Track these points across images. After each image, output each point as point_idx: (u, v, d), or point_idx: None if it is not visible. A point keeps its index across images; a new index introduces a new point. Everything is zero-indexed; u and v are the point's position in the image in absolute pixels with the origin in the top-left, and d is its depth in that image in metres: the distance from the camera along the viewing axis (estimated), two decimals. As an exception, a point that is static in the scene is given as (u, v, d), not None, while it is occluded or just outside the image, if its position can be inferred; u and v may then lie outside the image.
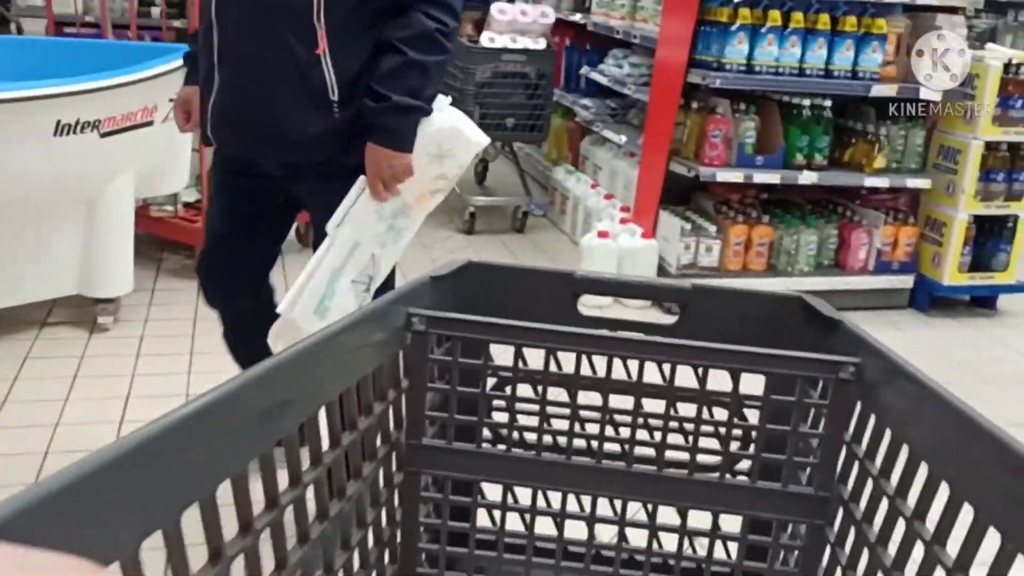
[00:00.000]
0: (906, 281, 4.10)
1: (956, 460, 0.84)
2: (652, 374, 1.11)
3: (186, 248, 3.99)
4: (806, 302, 1.18)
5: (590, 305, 1.37)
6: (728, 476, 1.12)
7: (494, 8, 4.57)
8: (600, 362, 1.09)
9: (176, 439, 0.65)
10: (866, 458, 0.99)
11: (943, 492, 0.84)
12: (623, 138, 4.46)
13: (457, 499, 1.16)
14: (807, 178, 3.84)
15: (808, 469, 1.09)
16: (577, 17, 5.08)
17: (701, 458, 1.12)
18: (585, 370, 1.13)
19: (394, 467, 1.10)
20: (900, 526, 0.91)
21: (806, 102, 3.81)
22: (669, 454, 1.11)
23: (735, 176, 3.79)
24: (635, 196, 4.21)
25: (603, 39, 4.82)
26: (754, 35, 3.63)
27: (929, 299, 4.10)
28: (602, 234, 3.97)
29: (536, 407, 1.12)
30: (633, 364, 1.08)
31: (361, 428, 0.97)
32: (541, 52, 4.66)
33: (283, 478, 0.86)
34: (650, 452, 1.12)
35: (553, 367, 1.12)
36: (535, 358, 1.11)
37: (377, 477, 1.05)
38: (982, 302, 4.21)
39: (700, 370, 1.05)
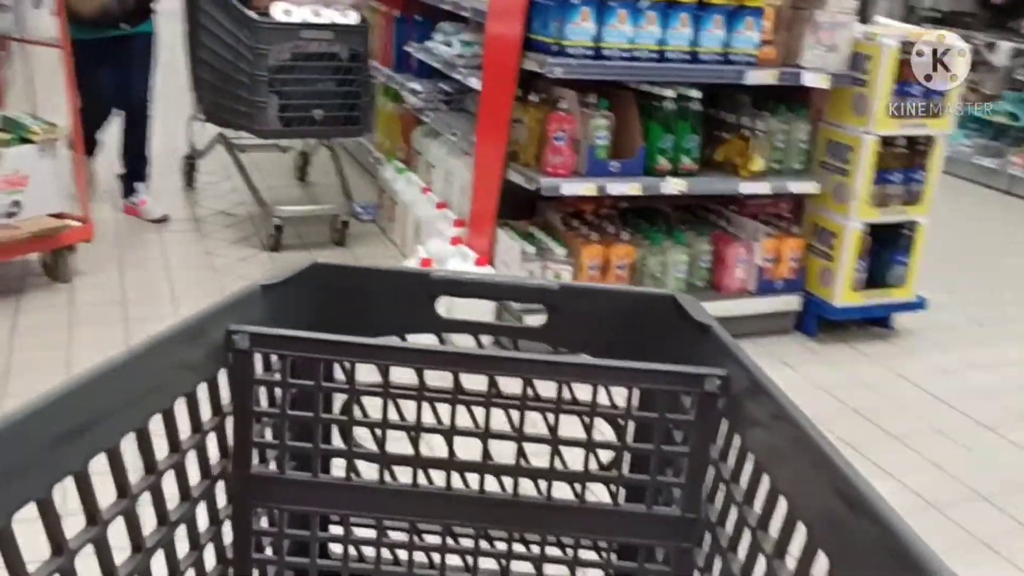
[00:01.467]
0: (792, 302, 3.46)
1: (814, 502, 0.77)
2: (509, 383, 1.00)
3: None
4: (678, 302, 1.11)
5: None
6: (588, 498, 1.04)
7: (286, -27, 3.65)
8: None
9: None
10: (732, 481, 0.93)
11: (801, 532, 0.77)
12: (456, 132, 3.65)
13: (294, 532, 1.06)
14: (673, 186, 3.11)
15: (677, 490, 1.04)
16: (401, -17, 4.21)
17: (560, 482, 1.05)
18: (437, 382, 1.01)
19: (223, 501, 1.00)
20: (763, 562, 0.84)
21: (669, 93, 3.07)
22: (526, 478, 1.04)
23: (585, 187, 3.03)
24: (470, 207, 3.41)
25: (436, 9, 3.97)
26: (601, 10, 2.86)
27: (818, 322, 3.48)
28: (425, 262, 3.16)
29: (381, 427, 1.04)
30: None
31: (163, 465, 0.87)
32: (352, 28, 3.77)
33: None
34: (506, 475, 1.04)
35: (410, 379, 1.02)
36: (404, 371, 1.00)
37: (193, 517, 0.93)
38: (877, 320, 3.62)
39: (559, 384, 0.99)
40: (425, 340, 1.10)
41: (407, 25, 4.48)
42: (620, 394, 1.03)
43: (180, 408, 0.89)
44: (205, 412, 0.95)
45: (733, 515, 0.92)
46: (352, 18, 3.77)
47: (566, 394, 1.01)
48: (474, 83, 3.47)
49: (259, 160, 4.83)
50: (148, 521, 0.84)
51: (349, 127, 3.94)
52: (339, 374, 1.04)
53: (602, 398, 1.01)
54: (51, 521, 0.70)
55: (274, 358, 1.01)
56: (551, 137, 3.02)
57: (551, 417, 1.02)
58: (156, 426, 0.84)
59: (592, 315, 1.15)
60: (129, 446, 0.79)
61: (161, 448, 0.86)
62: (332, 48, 3.75)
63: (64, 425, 0.72)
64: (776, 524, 0.83)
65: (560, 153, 3.02)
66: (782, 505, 0.81)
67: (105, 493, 0.77)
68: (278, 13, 3.63)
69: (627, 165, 3.08)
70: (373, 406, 1.06)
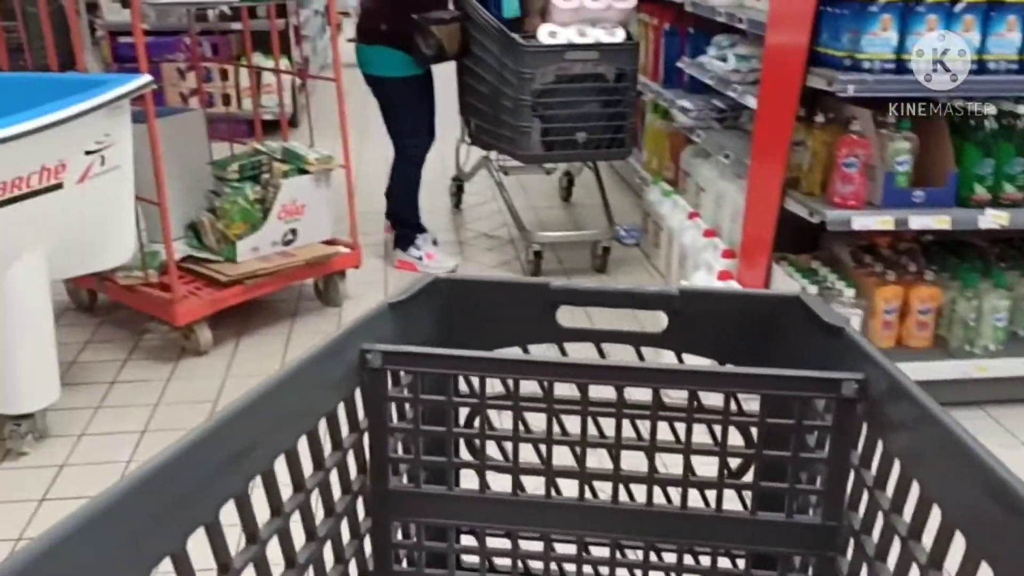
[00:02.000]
0: None
1: (970, 509, 0.73)
2: (643, 392, 0.99)
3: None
4: (805, 304, 1.07)
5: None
6: (725, 508, 1.00)
7: (553, -7, 3.52)
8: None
9: (147, 491, 0.66)
10: (876, 488, 0.89)
11: (959, 541, 0.73)
12: (729, 154, 3.34)
13: (431, 544, 1.08)
14: (993, 219, 2.61)
15: (814, 497, 0.99)
16: (673, -6, 3.94)
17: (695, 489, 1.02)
18: (571, 391, 1.00)
19: (362, 515, 1.04)
20: (916, 571, 0.80)
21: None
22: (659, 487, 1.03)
23: (880, 221, 2.61)
24: (741, 237, 3.09)
25: (710, 21, 3.67)
26: (906, 16, 2.44)
27: None
28: (690, 301, 2.88)
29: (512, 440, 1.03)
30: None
31: (310, 483, 0.90)
32: (619, 47, 3.57)
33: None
34: (639, 483, 1.02)
35: (535, 389, 1.02)
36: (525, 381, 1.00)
37: (339, 532, 0.97)
38: None
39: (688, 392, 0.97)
40: (546, 350, 1.11)
41: (678, 38, 4.21)
42: (747, 399, 0.98)
43: (321, 427, 0.93)
44: (343, 430, 0.99)
45: (879, 523, 0.89)
46: (619, 36, 3.57)
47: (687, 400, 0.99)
48: (750, 101, 3.15)
49: (524, 180, 4.77)
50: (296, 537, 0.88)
51: (613, 150, 3.75)
52: (463, 386, 1.04)
53: (717, 399, 0.98)
54: (218, 543, 0.74)
55: (402, 373, 1.02)
56: (840, 163, 2.64)
57: (679, 425, 1.00)
58: (301, 445, 0.88)
59: (714, 318, 1.12)
60: (278, 466, 0.84)
61: (306, 466, 0.90)
62: (597, 68, 3.58)
63: (226, 452, 0.76)
64: (929, 533, 0.79)
65: (851, 181, 2.63)
66: (935, 512, 0.78)
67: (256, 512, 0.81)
68: (543, 36, 3.51)
69: (934, 195, 2.62)
70: (495, 418, 1.09)
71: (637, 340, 1.15)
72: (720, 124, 3.77)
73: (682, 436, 1.01)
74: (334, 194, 3.55)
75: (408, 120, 3.75)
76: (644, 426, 1.03)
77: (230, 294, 3.19)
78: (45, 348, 2.57)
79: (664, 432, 1.03)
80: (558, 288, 1.14)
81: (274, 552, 0.83)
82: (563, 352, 1.15)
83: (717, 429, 1.00)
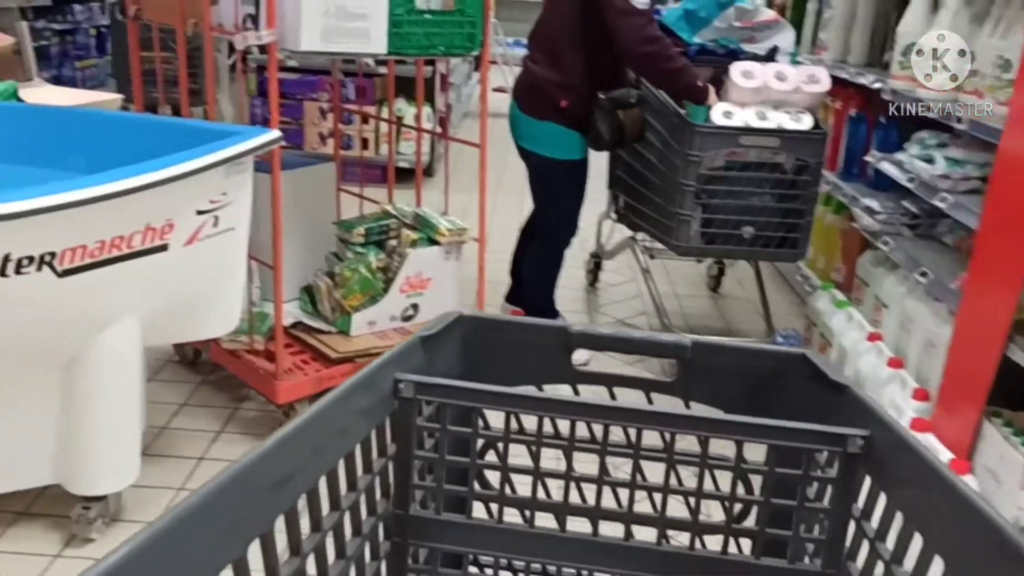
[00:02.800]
0: None
1: (975, 563, 0.77)
2: (651, 436, 1.06)
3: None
4: (811, 361, 1.14)
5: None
6: (730, 550, 1.07)
7: (735, 70, 3.09)
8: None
9: (214, 506, 0.72)
10: (876, 539, 0.95)
11: None
12: (927, 272, 2.82)
13: (447, 571, 1.15)
14: None
15: (814, 545, 1.05)
16: (868, 80, 3.46)
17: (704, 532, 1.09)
18: (582, 431, 1.09)
19: (381, 537, 1.08)
20: None
21: None
22: (671, 527, 1.08)
23: None
24: (941, 380, 2.57)
25: (910, 112, 3.17)
26: None
27: None
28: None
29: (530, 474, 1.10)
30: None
31: (346, 504, 0.96)
32: (804, 135, 3.12)
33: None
34: (650, 526, 1.08)
35: (548, 426, 1.10)
36: (530, 419, 1.08)
37: (363, 553, 1.01)
38: None
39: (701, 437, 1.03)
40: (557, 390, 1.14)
41: (864, 127, 3.72)
42: (750, 448, 1.01)
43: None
44: (373, 454, 1.03)
45: (879, 572, 0.93)
46: (805, 123, 3.11)
47: (694, 447, 1.04)
48: (962, 216, 2.65)
49: (670, 263, 4.34)
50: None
51: (784, 251, 3.27)
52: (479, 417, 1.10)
53: (729, 451, 1.02)
54: (270, 553, 0.80)
55: (424, 404, 1.07)
56: (1095, 312, 2.11)
57: (683, 469, 1.06)
58: (339, 467, 0.95)
59: (724, 371, 1.17)
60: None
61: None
62: (775, 157, 3.13)
63: (280, 472, 0.82)
64: None
65: (1107, 337, 2.10)
66: (936, 564, 0.82)
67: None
68: (717, 115, 3.09)
69: None
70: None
71: (648, 386, 1.20)
72: (911, 231, 3.25)
73: (685, 479, 1.07)
74: (462, 264, 3.20)
75: (563, 207, 3.36)
76: (650, 468, 1.08)
77: (337, 372, 2.86)
78: (129, 424, 2.29)
79: (657, 473, 1.07)
80: (577, 332, 1.19)
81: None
82: (576, 393, 1.20)
83: (719, 474, 1.08)
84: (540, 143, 3.30)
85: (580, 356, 1.21)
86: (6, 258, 1.85)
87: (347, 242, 3.14)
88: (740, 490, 1.07)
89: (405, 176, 4.11)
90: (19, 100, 3.09)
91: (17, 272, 1.87)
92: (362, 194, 3.49)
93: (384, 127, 5.28)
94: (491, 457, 1.15)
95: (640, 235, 3.74)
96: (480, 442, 1.13)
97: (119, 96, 3.67)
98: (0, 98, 3.12)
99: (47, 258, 1.91)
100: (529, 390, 1.07)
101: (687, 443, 1.03)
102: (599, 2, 3.03)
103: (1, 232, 1.79)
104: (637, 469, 1.05)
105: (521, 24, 5.53)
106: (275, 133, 2.37)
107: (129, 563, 0.61)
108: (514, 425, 1.08)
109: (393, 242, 3.12)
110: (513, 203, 4.99)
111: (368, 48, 2.61)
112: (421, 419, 1.07)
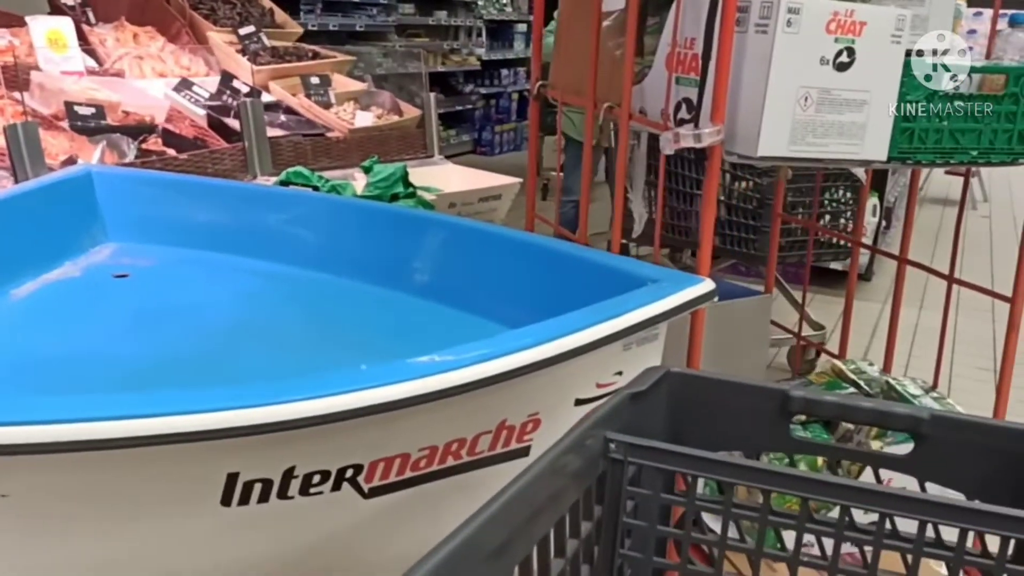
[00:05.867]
0: None
1: None
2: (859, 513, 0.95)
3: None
4: None
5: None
6: None
7: None
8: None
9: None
10: None
11: None
12: None
13: None
14: None
15: None
16: None
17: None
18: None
19: None
20: None
21: None
22: None
23: None
24: None
25: None
26: None
27: None
28: None
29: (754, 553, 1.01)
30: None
31: (555, 572, 0.90)
32: None
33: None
34: None
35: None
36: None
37: None
38: None
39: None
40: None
41: None
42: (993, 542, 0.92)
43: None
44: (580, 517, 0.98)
45: None
46: None
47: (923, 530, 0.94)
48: None
49: None
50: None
51: None
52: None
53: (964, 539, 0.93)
54: None
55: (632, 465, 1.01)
56: None
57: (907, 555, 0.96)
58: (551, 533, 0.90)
59: (965, 450, 1.06)
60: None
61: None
62: None
63: (495, 542, 0.78)
64: None
65: None
66: None
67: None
68: None
69: None
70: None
71: (875, 461, 1.15)
72: None
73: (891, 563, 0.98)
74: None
75: None
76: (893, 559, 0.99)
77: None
78: None
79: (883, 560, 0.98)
80: (797, 397, 1.09)
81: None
82: (792, 463, 1.17)
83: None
84: None
85: None
86: (289, 473, 1.22)
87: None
88: None
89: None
90: (408, 185, 2.63)
91: (303, 493, 1.24)
92: (800, 334, 2.56)
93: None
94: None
95: None
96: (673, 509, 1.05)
97: (517, 180, 3.14)
98: (388, 182, 2.67)
99: (348, 473, 1.26)
100: (758, 464, 1.00)
101: (908, 525, 0.93)
102: None
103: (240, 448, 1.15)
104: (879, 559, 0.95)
105: None
106: (707, 284, 1.54)
107: None
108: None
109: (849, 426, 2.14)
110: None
111: (859, 152, 1.70)
112: (637, 481, 1.02)
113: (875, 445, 2.17)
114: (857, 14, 1.62)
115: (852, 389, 2.19)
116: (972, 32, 4.60)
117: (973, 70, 1.72)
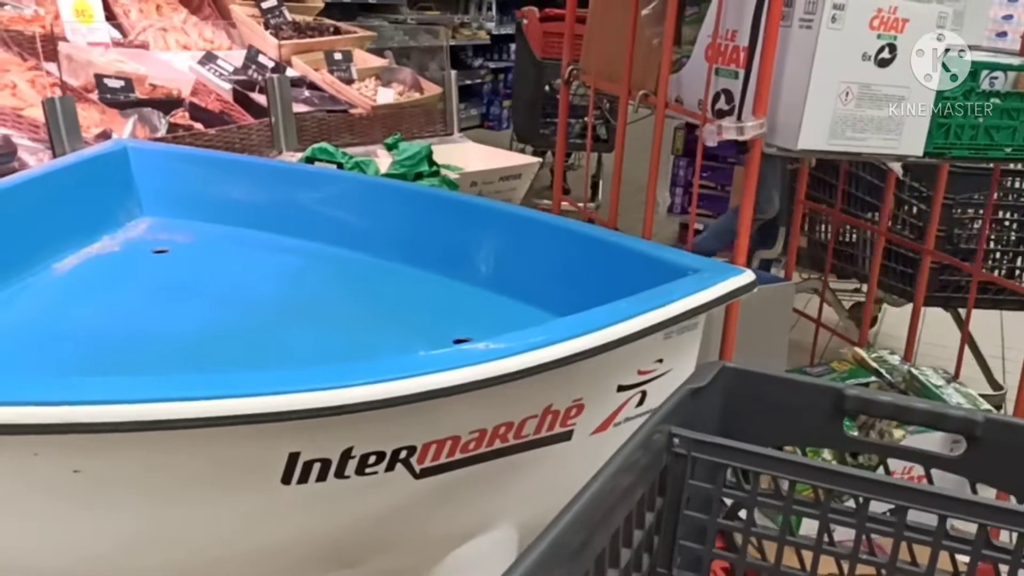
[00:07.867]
0: None
1: None
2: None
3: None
4: None
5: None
6: None
7: None
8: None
9: None
10: None
11: None
12: None
13: None
14: None
15: None
16: None
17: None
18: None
19: None
20: None
21: None
22: None
23: None
24: None
25: None
26: None
27: None
28: None
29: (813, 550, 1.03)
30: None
31: (623, 561, 0.93)
32: None
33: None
34: None
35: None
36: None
37: None
38: None
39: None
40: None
41: None
42: None
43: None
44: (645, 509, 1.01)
45: None
46: None
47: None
48: None
49: None
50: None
51: None
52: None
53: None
54: None
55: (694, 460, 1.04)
56: None
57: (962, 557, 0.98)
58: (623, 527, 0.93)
59: (1018, 453, 1.06)
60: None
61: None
62: None
63: (577, 541, 0.79)
64: None
65: None
66: None
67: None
68: None
69: None
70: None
71: (929, 461, 1.11)
72: None
73: (943, 564, 0.99)
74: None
75: None
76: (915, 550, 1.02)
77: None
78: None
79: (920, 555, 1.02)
80: (852, 395, 1.10)
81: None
82: (845, 462, 1.23)
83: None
84: None
85: None
86: (347, 454, 1.25)
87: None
88: None
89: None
90: (432, 164, 2.63)
91: (359, 473, 1.27)
92: (819, 321, 2.59)
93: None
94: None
95: None
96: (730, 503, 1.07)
97: (537, 160, 3.14)
98: (413, 160, 2.67)
99: (402, 454, 1.29)
100: (820, 463, 0.99)
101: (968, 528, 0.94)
102: None
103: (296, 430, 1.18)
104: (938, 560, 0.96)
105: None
106: (747, 275, 1.56)
107: None
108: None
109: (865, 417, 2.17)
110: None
111: (897, 147, 1.73)
112: (697, 476, 1.05)
113: (897, 435, 2.22)
114: (900, 11, 1.63)
115: (874, 378, 2.23)
116: (1008, 17, 4.57)
117: (1009, 68, 1.74)
